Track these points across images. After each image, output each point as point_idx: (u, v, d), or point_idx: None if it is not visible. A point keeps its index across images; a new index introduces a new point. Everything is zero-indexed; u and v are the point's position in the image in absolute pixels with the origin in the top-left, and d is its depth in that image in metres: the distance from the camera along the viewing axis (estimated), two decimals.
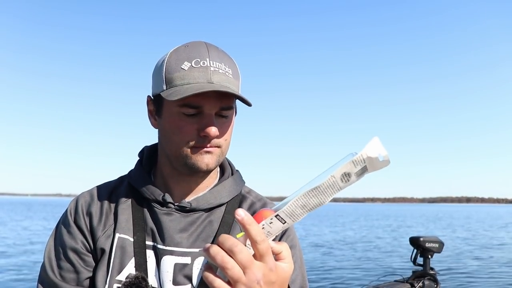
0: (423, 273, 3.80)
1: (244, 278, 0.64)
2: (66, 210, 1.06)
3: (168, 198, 1.02)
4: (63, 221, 1.05)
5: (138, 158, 1.13)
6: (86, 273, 1.00)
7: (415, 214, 66.12)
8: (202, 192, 1.07)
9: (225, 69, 0.98)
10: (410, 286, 3.75)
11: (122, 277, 0.97)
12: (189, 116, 0.96)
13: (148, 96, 1.06)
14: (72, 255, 1.00)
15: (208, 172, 1.02)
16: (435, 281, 3.80)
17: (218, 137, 0.98)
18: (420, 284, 3.75)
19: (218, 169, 1.13)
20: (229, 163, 1.15)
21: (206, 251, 0.65)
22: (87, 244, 1.01)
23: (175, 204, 1.03)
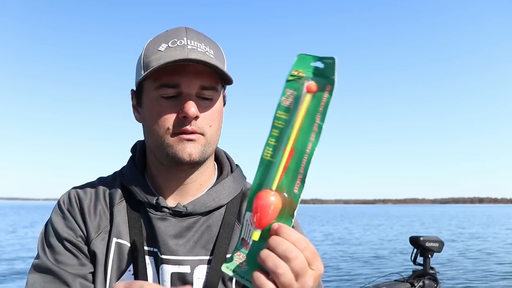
0: (423, 273, 3.77)
1: (296, 285, 0.60)
2: (59, 202, 1.00)
3: (162, 202, 0.95)
4: (56, 212, 0.99)
5: (131, 154, 1.06)
6: (83, 260, 0.94)
7: (423, 214, 65.37)
8: (200, 192, 0.99)
9: (205, 48, 0.92)
10: (410, 285, 3.73)
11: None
12: (167, 99, 0.90)
13: (132, 90, 1.00)
14: (66, 243, 0.94)
15: (192, 164, 0.93)
16: (435, 280, 3.78)
17: (201, 121, 0.91)
18: (420, 283, 3.73)
19: (215, 164, 1.06)
20: (228, 158, 1.07)
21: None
22: (81, 234, 0.95)
23: (170, 208, 0.95)
